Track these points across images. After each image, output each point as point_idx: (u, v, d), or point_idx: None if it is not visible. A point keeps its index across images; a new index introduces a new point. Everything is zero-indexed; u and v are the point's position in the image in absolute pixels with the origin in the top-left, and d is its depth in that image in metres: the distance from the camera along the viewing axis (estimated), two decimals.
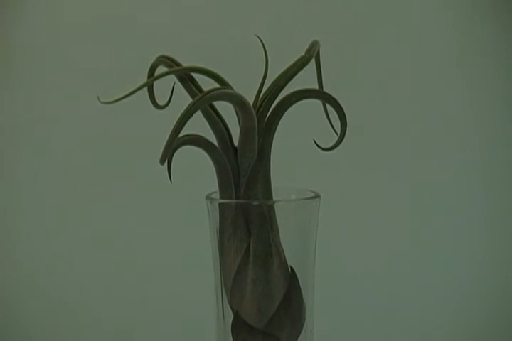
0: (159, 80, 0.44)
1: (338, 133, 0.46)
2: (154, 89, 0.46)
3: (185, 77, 0.45)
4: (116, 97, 0.43)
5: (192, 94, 0.45)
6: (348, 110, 0.70)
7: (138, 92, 0.80)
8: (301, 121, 0.60)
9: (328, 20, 0.79)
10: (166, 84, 0.45)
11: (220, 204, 0.46)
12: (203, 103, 0.43)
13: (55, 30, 0.81)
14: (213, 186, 0.47)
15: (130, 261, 0.82)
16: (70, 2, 0.81)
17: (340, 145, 0.78)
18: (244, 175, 0.45)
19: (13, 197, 0.83)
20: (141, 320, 0.82)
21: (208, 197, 0.47)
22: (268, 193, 0.46)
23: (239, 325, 0.45)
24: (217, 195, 0.47)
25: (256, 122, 0.44)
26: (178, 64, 0.45)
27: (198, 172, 0.79)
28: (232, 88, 0.45)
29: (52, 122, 0.82)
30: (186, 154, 0.81)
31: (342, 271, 0.79)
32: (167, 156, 0.42)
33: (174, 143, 0.42)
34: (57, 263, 0.82)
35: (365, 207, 0.80)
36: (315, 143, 0.46)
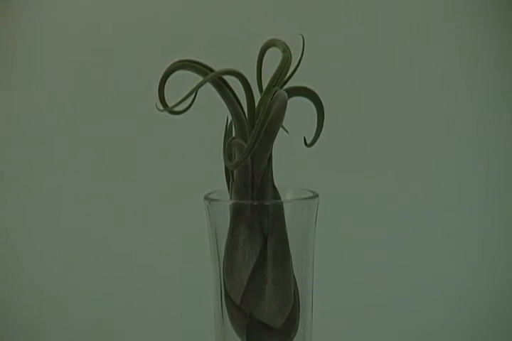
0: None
1: (315, 129, 0.46)
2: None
3: (220, 81, 0.44)
4: (169, 107, 0.43)
5: (227, 98, 0.44)
6: (348, 110, 0.71)
7: (133, 94, 0.81)
8: (299, 119, 0.60)
9: (328, 20, 0.79)
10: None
11: (236, 206, 0.45)
12: (271, 110, 0.42)
13: (55, 30, 0.81)
14: (210, 187, 0.47)
15: (130, 261, 0.82)
16: (70, 2, 0.81)
17: (340, 144, 0.78)
18: (258, 176, 0.45)
19: (13, 197, 0.83)
20: (140, 321, 0.82)
21: (207, 198, 0.47)
22: (277, 193, 0.46)
23: (255, 326, 0.45)
24: (215, 196, 0.47)
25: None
26: (208, 67, 0.44)
27: (198, 172, 0.79)
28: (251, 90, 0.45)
29: (50, 122, 0.82)
30: (186, 154, 0.81)
31: (341, 271, 0.79)
32: (244, 162, 0.43)
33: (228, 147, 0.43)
34: (57, 264, 0.82)
35: (364, 207, 0.80)
36: (304, 140, 0.46)
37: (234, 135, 0.46)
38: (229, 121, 0.46)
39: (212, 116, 0.55)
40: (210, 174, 0.50)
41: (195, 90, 0.42)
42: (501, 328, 0.80)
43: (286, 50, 0.45)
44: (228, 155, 0.44)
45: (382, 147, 0.80)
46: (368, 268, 0.80)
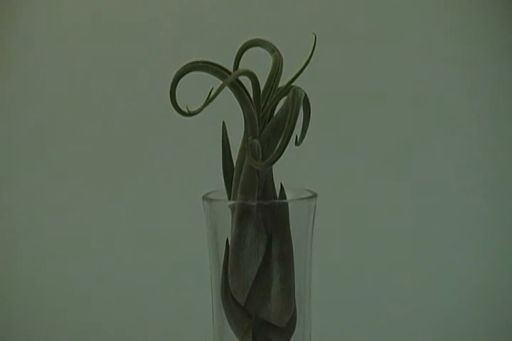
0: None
1: (302, 126, 0.46)
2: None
3: (236, 82, 0.43)
4: (197, 109, 0.42)
5: (242, 99, 0.43)
6: (347, 110, 0.71)
7: (131, 94, 0.81)
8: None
9: (327, 20, 0.79)
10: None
11: (244, 206, 0.45)
12: (299, 107, 0.42)
13: (55, 30, 0.81)
14: (210, 186, 0.47)
15: (129, 261, 0.82)
16: (70, 2, 0.81)
17: (338, 143, 0.78)
18: (263, 176, 0.45)
19: (13, 197, 0.83)
20: (139, 322, 0.82)
21: (206, 198, 0.46)
22: (283, 192, 0.47)
23: (261, 326, 0.45)
24: (214, 196, 0.47)
25: None
26: (223, 68, 0.43)
27: (198, 172, 0.79)
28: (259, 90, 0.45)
29: (50, 122, 0.82)
30: (186, 154, 0.81)
31: (339, 271, 0.79)
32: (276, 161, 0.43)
33: (251, 147, 0.43)
34: (57, 264, 0.82)
35: (362, 206, 0.80)
36: (296, 138, 0.46)
37: (244, 135, 0.45)
38: (224, 123, 0.46)
39: (212, 116, 0.55)
40: (210, 174, 0.50)
41: (218, 92, 0.41)
42: (502, 328, 0.80)
43: (274, 50, 0.45)
44: (253, 154, 0.44)
45: (382, 147, 0.80)
46: (367, 267, 0.80)
